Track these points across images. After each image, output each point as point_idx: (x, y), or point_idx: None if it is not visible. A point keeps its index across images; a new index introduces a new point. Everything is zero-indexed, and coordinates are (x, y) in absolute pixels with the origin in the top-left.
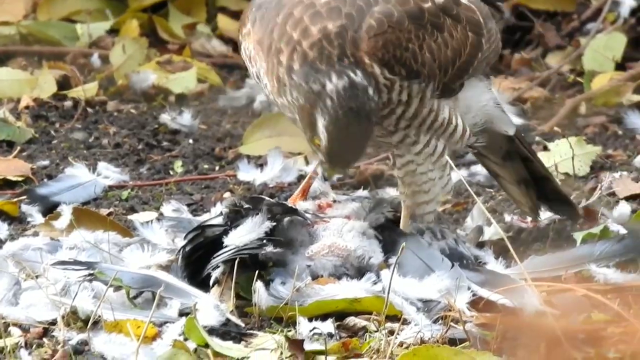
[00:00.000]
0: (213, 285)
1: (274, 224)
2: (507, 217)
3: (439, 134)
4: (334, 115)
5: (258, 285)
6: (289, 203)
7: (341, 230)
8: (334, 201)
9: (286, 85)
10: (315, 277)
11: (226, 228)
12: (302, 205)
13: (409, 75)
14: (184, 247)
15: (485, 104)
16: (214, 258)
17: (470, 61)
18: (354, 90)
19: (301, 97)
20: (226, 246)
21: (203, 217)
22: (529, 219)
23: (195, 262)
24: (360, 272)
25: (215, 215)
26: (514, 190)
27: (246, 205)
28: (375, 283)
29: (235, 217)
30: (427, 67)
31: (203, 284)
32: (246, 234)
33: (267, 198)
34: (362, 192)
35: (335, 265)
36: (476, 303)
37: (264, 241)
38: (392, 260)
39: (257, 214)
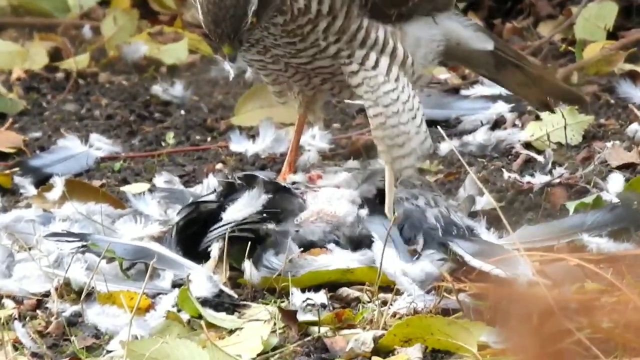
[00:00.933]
0: (210, 258)
1: (270, 196)
2: (506, 175)
3: (378, 50)
4: None
5: (251, 257)
6: (280, 180)
7: (330, 198)
8: (324, 172)
9: None
10: (304, 243)
11: (220, 203)
12: (292, 178)
13: None
14: (177, 222)
15: (447, 28)
16: (210, 232)
17: None
18: None
19: None
20: (222, 219)
21: (195, 188)
22: (525, 179)
23: (190, 237)
24: (351, 240)
25: (208, 192)
26: (519, 91)
27: (239, 182)
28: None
29: (228, 193)
30: None
31: (197, 258)
32: (244, 208)
33: (260, 175)
34: (353, 163)
35: (325, 231)
36: (469, 273)
37: (264, 215)
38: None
39: (254, 187)
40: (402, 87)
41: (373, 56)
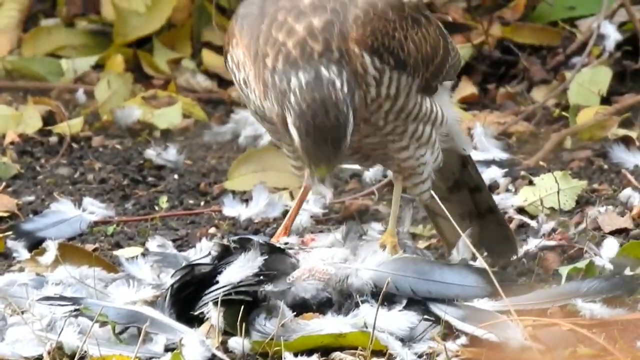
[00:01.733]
0: (204, 321)
1: (266, 257)
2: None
3: (425, 121)
4: (298, 110)
5: (243, 321)
6: (274, 241)
7: (322, 256)
8: (317, 235)
9: (268, 87)
10: (297, 301)
11: (215, 266)
12: (284, 240)
13: (397, 65)
14: (172, 285)
15: (449, 115)
16: (205, 295)
17: (443, 63)
18: (317, 82)
19: (275, 101)
20: (217, 282)
21: (188, 253)
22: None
23: (184, 300)
24: (342, 294)
25: (203, 254)
26: (451, 230)
27: (234, 245)
28: (358, 316)
29: (223, 256)
30: (412, 58)
31: (191, 321)
32: (240, 270)
33: (254, 238)
34: (344, 227)
35: (317, 288)
36: (460, 338)
37: (260, 277)
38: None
39: (249, 249)
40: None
41: (421, 128)
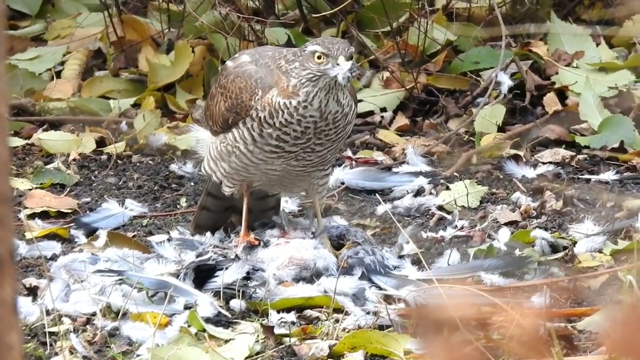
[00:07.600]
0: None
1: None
2: (424, 235)
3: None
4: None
5: (241, 288)
6: (242, 238)
7: (298, 246)
8: (295, 229)
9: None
10: (281, 282)
11: (215, 265)
12: (269, 233)
13: None
14: (186, 269)
15: None
16: (209, 283)
17: None
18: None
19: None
20: (217, 279)
21: (200, 237)
22: (439, 233)
23: (197, 282)
24: (313, 274)
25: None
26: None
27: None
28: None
29: (222, 261)
30: None
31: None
32: (233, 274)
33: (242, 257)
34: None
35: (296, 271)
36: (396, 301)
37: (247, 281)
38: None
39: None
40: None
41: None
